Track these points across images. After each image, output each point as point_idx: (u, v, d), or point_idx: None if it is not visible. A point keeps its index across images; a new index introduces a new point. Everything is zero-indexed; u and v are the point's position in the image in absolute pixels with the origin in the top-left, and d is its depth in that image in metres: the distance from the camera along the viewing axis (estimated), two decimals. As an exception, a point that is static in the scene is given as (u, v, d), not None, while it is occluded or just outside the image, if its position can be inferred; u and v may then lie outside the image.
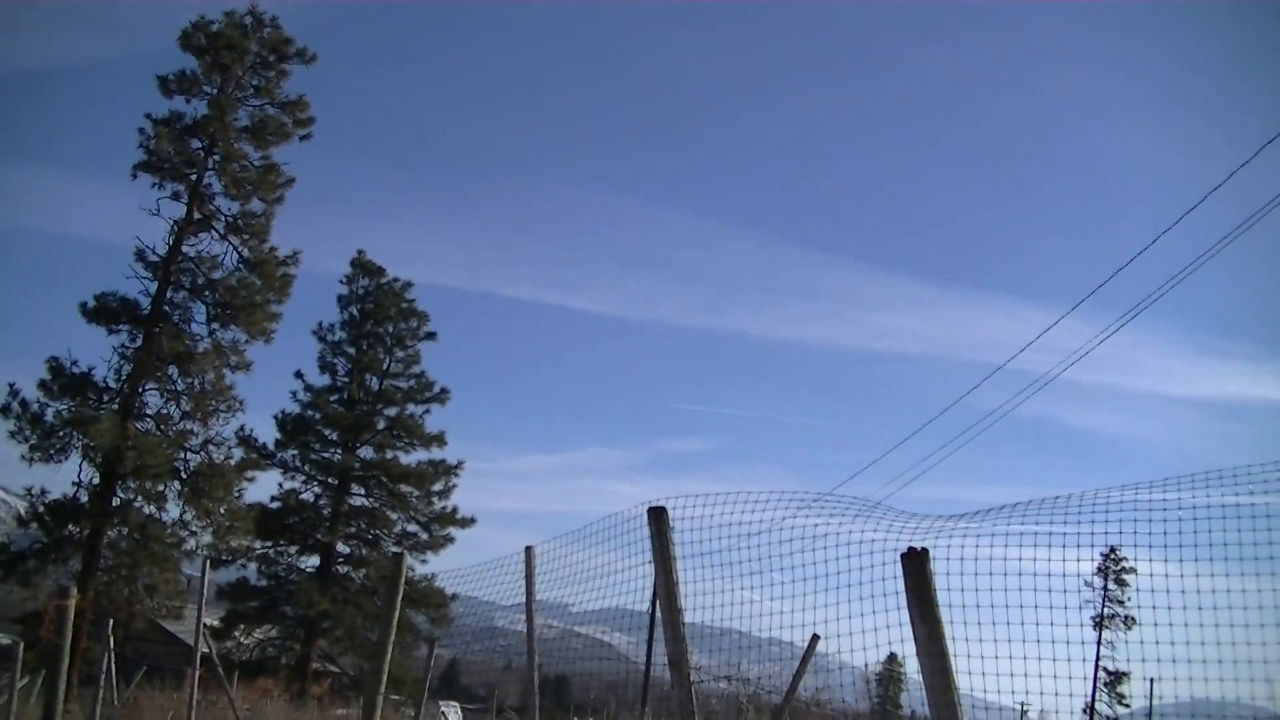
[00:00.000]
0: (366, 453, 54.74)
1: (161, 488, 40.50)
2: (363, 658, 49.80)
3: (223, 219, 42.85)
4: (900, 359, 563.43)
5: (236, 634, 51.26)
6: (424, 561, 54.02)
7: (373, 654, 15.81)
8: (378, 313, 55.76)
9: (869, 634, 9.01)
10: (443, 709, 55.34)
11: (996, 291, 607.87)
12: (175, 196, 41.90)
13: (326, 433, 54.36)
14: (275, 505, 52.35)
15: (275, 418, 54.03)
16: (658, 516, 9.83)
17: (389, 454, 54.72)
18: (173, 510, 41.06)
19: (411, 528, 54.79)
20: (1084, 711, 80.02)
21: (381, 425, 54.89)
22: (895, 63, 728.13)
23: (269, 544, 51.83)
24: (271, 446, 52.87)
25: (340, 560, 54.00)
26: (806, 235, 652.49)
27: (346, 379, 55.24)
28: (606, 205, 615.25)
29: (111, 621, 28.30)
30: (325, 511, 53.61)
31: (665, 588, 9.63)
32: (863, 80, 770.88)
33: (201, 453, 41.69)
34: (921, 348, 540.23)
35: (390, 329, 55.95)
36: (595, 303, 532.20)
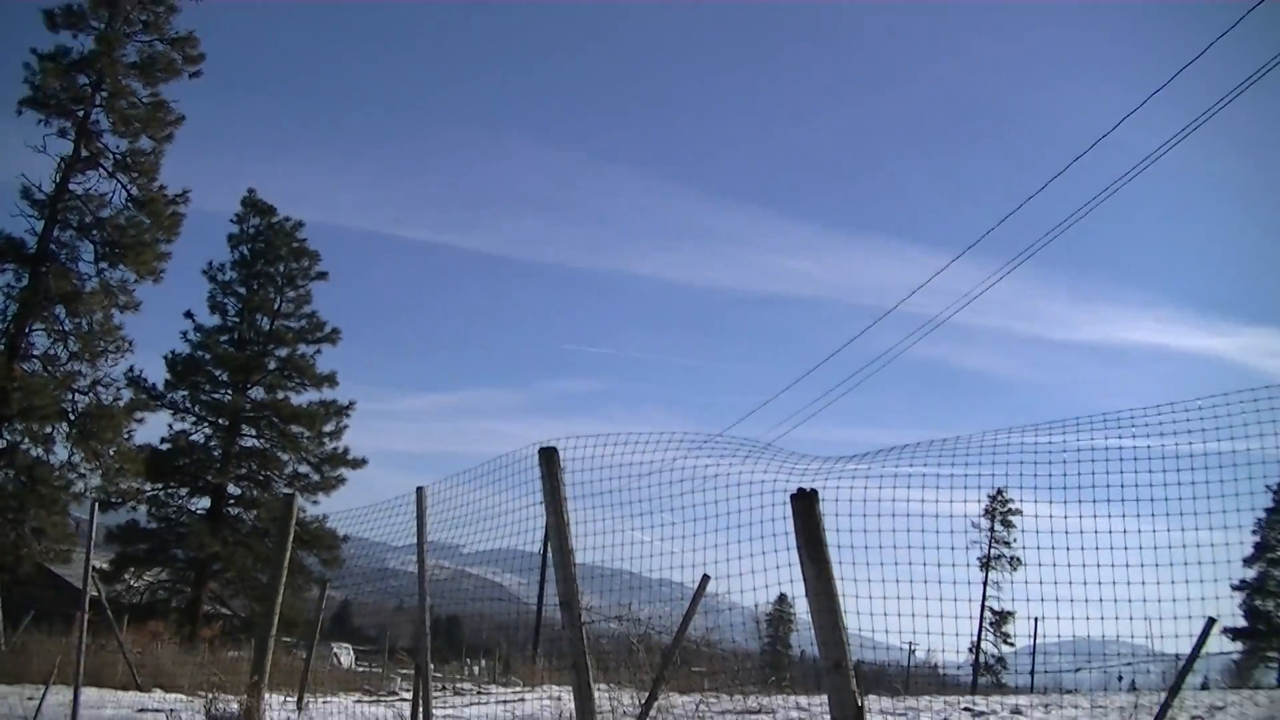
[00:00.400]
0: (257, 393, 54.30)
1: (49, 429, 40.02)
2: (254, 600, 49.48)
3: (111, 156, 42.25)
4: (792, 302, 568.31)
5: (126, 577, 50.69)
6: (315, 503, 53.76)
7: (264, 596, 15.73)
8: (269, 252, 55.16)
9: (759, 574, 9.12)
10: (335, 650, 55.21)
11: (889, 236, 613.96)
12: (62, 133, 41.29)
13: (217, 373, 53.80)
14: (165, 447, 51.81)
15: (165, 358, 53.33)
16: (549, 457, 9.86)
17: (280, 394, 54.29)
18: (61, 452, 40.62)
19: (303, 469, 54.50)
20: (969, 650, 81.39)
21: (272, 366, 54.44)
22: (798, 14, 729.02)
23: (159, 486, 51.26)
24: (161, 387, 52.24)
25: (231, 502, 53.58)
26: (699, 178, 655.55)
27: (237, 319, 54.69)
28: (499, 147, 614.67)
29: (-2, 565, 28.00)
30: (216, 453, 53.14)
31: (556, 528, 9.67)
32: (763, 30, 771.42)
33: (90, 394, 41.24)
34: (814, 290, 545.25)
35: (281, 269, 55.37)
36: (486, 244, 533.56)
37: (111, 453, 41.17)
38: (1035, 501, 9.16)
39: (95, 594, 19.13)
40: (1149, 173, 24.13)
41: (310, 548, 49.15)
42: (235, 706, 12.43)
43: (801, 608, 8.07)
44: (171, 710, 13.22)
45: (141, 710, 17.79)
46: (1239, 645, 73.73)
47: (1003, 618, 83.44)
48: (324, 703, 19.68)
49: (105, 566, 48.75)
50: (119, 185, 42.22)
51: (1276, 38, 18.49)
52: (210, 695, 12.78)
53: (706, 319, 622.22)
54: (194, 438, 53.26)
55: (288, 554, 13.78)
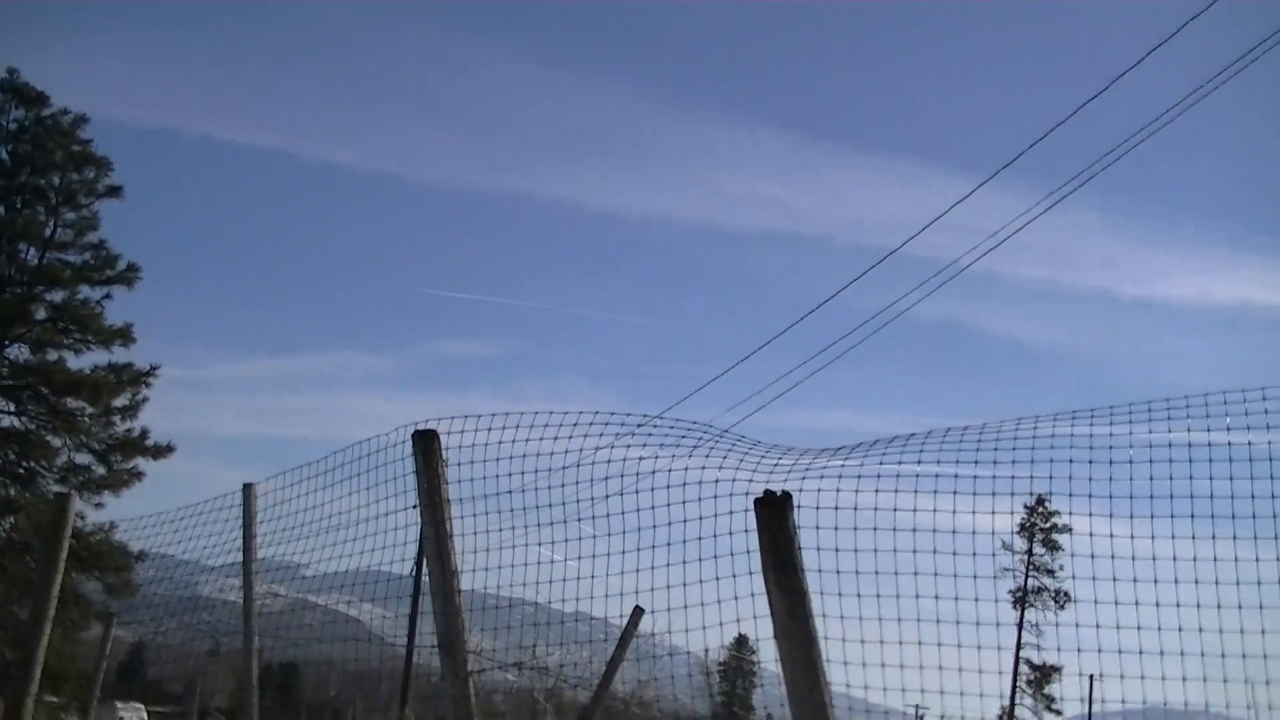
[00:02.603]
0: (19, 352, 54.06)
1: None
2: (6, 644, 49.41)
3: None
4: (760, 238, 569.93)
5: None
6: (100, 506, 53.71)
7: (22, 638, 15.70)
8: (37, 157, 54.72)
9: (709, 608, 9.15)
10: (120, 713, 55.11)
11: (892, 152, 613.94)
12: None
13: (-38, 324, 53.59)
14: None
15: (-112, 301, 53.07)
16: (426, 444, 9.87)
17: (52, 355, 54.09)
18: None
19: (82, 458, 54.34)
20: (1000, 718, 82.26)
21: (42, 314, 54.16)
22: None
23: (-122, 478, 51.20)
24: (-115, 342, 52.04)
25: (-21, 504, 53.49)
26: (644, 75, 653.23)
27: (-8, 249, 54.39)
28: (366, 27, 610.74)
29: None
30: (-40, 435, 53.03)
31: (435, 541, 9.69)
32: None
33: None
34: (791, 225, 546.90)
35: (56, 180, 55.00)
36: (352, 155, 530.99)
37: None
38: (1090, 515, 9.11)
39: None
40: (1231, 82, 24.38)
41: (91, 568, 49.02)
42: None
43: (767, 654, 8.16)
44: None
45: None
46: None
47: (1045, 674, 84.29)
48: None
49: None
50: None
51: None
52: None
53: (646, 262, 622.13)
54: (-71, 414, 53.07)
55: (58, 577, 13.71)
